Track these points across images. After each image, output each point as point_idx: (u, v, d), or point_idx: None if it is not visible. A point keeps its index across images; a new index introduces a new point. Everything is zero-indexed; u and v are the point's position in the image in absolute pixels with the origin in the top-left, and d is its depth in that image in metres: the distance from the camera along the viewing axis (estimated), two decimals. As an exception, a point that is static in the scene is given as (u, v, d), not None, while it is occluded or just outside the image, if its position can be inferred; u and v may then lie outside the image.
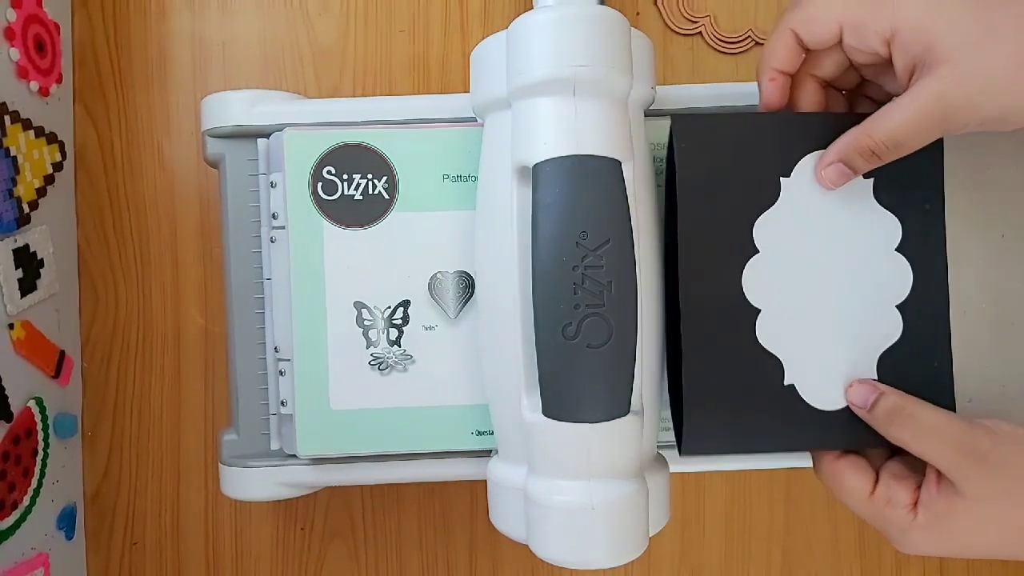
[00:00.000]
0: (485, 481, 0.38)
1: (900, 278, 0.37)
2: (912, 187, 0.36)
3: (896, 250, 0.37)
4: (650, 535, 0.34)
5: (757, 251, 0.36)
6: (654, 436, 0.36)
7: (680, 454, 0.36)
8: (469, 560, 0.50)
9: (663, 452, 0.38)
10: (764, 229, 0.36)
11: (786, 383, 0.36)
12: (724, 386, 0.36)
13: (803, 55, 0.35)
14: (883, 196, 0.37)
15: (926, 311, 0.37)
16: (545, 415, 0.33)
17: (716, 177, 0.36)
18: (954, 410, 0.36)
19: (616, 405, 0.33)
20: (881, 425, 0.35)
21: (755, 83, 0.40)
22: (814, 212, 0.36)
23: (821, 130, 0.36)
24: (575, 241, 0.32)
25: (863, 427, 0.36)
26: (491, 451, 0.39)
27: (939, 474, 0.33)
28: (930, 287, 0.37)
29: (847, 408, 0.36)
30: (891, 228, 0.37)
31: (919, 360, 0.37)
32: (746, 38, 0.48)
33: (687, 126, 0.36)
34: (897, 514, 0.34)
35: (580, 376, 0.32)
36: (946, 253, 0.37)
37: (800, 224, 0.36)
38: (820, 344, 0.37)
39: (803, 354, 0.36)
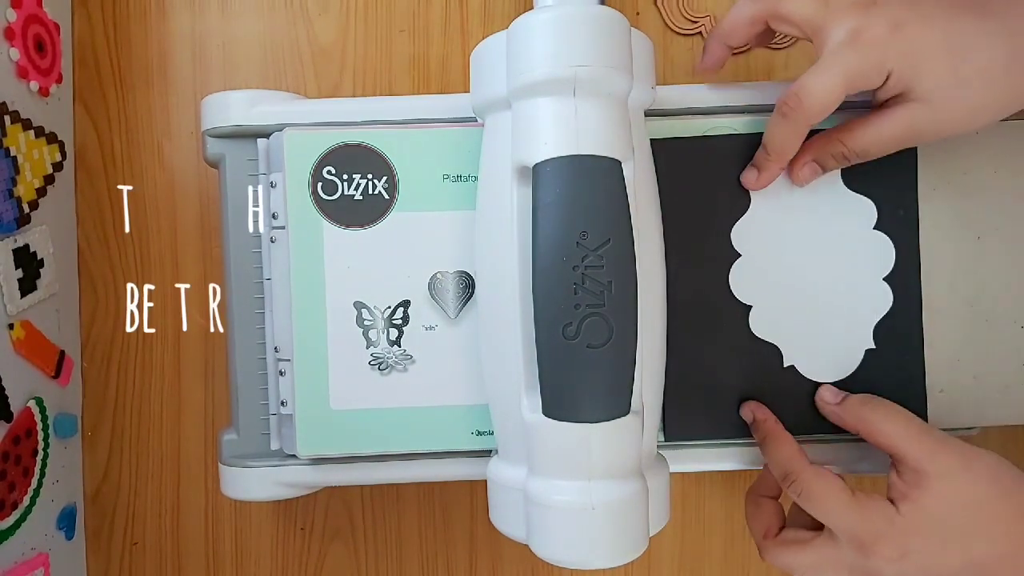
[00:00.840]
0: (485, 481, 0.38)
1: (883, 253, 0.40)
2: (883, 169, 0.39)
3: (875, 228, 0.40)
4: (650, 535, 0.34)
5: (739, 255, 0.40)
6: (654, 436, 0.36)
7: (664, 439, 0.40)
8: (469, 560, 0.50)
9: (663, 452, 0.38)
10: (741, 234, 0.40)
11: (785, 365, 0.40)
12: (719, 377, 0.40)
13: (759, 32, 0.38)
14: (853, 181, 0.40)
15: (910, 283, 0.40)
16: (545, 415, 0.33)
17: (692, 194, 0.40)
18: (925, 406, 0.40)
19: (616, 405, 0.33)
20: (853, 409, 0.38)
21: (756, 83, 0.43)
22: (786, 210, 0.40)
23: None
24: (575, 241, 0.32)
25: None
26: (491, 451, 0.39)
27: (898, 473, 0.35)
28: (908, 262, 0.40)
29: (851, 377, 0.40)
30: (866, 209, 0.40)
31: (896, 349, 0.40)
32: (746, 38, 0.48)
33: (663, 150, 0.39)
34: (881, 507, 0.35)
35: (580, 376, 0.32)
36: (918, 233, 0.40)
37: (775, 224, 0.40)
38: (815, 324, 0.40)
39: (799, 336, 0.40)
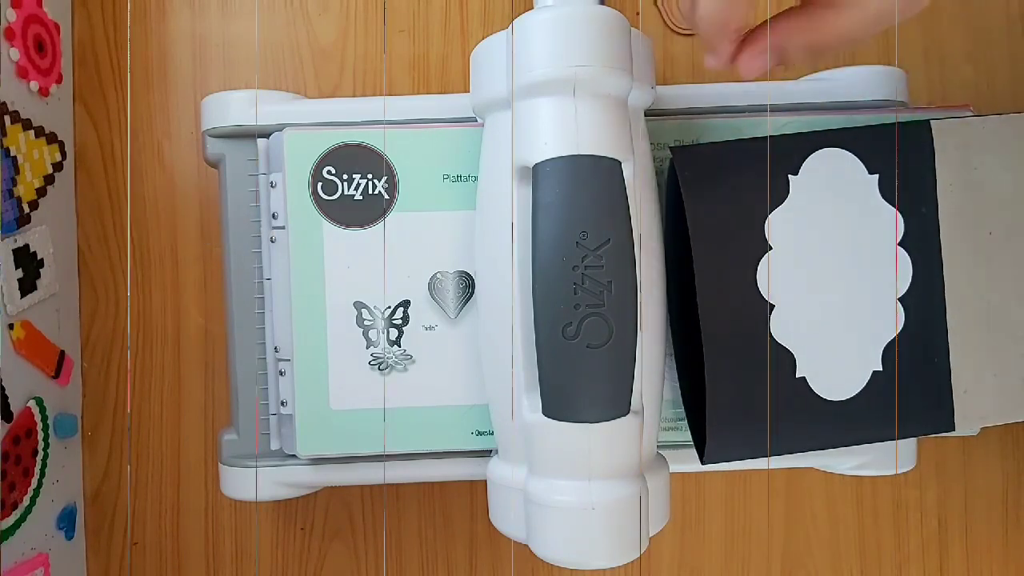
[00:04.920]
0: (485, 481, 0.38)
1: (902, 271, 0.38)
2: (911, 187, 0.38)
3: (899, 244, 0.38)
4: (650, 535, 0.34)
5: (770, 248, 0.37)
6: (654, 436, 0.36)
7: (702, 463, 0.37)
8: (469, 560, 0.50)
9: (663, 452, 0.38)
10: (776, 226, 0.37)
11: (798, 376, 0.38)
12: (742, 389, 0.37)
13: None
14: (887, 192, 0.38)
15: (925, 304, 0.38)
16: (545, 415, 0.33)
17: (723, 186, 0.37)
18: (952, 408, 0.38)
19: (616, 405, 0.33)
20: None
21: (756, 83, 0.42)
22: (823, 207, 0.38)
23: (821, 136, 0.38)
24: (575, 241, 0.32)
25: (872, 418, 0.37)
26: (491, 451, 0.39)
27: None
28: (928, 281, 0.38)
29: (855, 398, 0.37)
30: (894, 223, 0.38)
31: (919, 353, 0.38)
32: (746, 38, 0.48)
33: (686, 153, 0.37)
34: None
35: (580, 376, 0.32)
36: (941, 250, 0.38)
37: (809, 219, 0.38)
38: (829, 336, 0.38)
39: (813, 346, 0.38)
